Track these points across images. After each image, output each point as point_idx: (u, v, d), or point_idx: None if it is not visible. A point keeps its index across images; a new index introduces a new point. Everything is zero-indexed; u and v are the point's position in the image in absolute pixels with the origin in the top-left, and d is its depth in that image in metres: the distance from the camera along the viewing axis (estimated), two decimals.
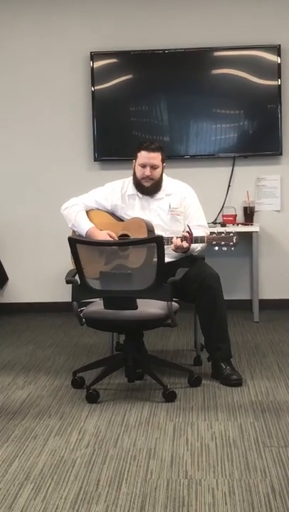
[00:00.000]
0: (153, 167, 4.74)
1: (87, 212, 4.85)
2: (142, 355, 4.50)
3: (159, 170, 4.78)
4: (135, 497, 3.06)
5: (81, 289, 4.30)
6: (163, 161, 4.80)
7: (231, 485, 3.14)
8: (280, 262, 6.68)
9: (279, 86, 6.48)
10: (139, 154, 4.77)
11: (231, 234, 4.56)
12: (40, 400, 4.34)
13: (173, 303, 4.27)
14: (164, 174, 4.85)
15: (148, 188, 4.79)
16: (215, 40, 6.51)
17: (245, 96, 6.52)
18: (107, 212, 4.88)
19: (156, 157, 4.74)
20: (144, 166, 4.74)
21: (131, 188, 4.86)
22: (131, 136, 6.60)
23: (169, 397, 4.24)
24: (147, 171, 4.74)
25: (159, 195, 4.83)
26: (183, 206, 4.83)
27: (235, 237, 4.55)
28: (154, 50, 6.54)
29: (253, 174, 6.62)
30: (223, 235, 4.57)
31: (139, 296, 4.20)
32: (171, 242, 4.57)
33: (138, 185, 4.81)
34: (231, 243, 4.55)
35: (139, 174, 4.78)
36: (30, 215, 6.77)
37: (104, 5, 6.59)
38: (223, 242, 4.56)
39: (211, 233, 4.68)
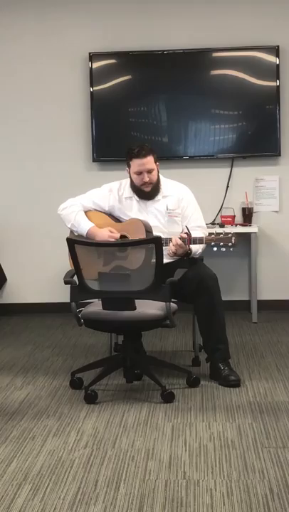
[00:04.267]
0: (149, 171, 4.71)
1: (85, 213, 4.84)
2: (140, 356, 4.50)
3: (155, 172, 4.74)
4: (133, 498, 3.06)
5: (79, 290, 4.30)
6: (156, 160, 4.76)
7: (229, 486, 3.15)
8: (279, 263, 6.68)
9: (277, 87, 6.48)
10: (131, 163, 4.72)
11: (230, 235, 4.55)
12: (39, 401, 4.34)
13: (171, 303, 4.27)
14: (160, 175, 4.84)
15: (149, 192, 4.77)
16: (213, 41, 6.51)
17: (243, 97, 6.52)
18: (104, 213, 4.87)
19: (149, 161, 4.69)
20: (140, 173, 4.71)
21: (128, 191, 4.84)
22: (130, 137, 6.60)
23: (168, 397, 4.24)
24: (145, 178, 4.70)
25: (156, 197, 4.82)
26: (180, 208, 4.81)
27: (233, 238, 4.54)
28: (153, 50, 6.54)
29: (251, 175, 6.62)
30: (221, 235, 4.57)
31: (138, 296, 4.20)
32: (170, 242, 4.56)
33: (138, 191, 4.78)
34: (230, 244, 4.55)
35: (137, 182, 4.74)
36: (29, 216, 6.77)
37: (103, 6, 6.59)
38: (221, 243, 4.56)
39: (210, 234, 4.66)
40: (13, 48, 6.70)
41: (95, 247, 4.40)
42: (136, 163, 4.70)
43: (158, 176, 4.80)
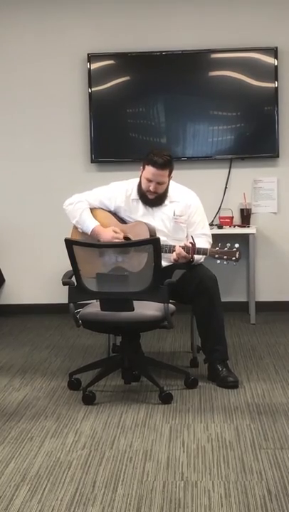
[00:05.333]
0: (159, 183, 4.66)
1: (90, 210, 4.82)
2: (138, 357, 4.50)
3: (165, 185, 4.69)
4: (131, 499, 3.06)
5: (78, 291, 4.30)
6: (171, 172, 4.69)
7: (227, 487, 3.14)
8: (277, 264, 6.69)
9: (276, 88, 6.48)
10: (147, 167, 4.64)
11: (234, 249, 4.54)
12: (37, 402, 4.34)
13: (170, 305, 4.26)
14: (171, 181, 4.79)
15: (151, 200, 4.74)
16: (212, 42, 6.51)
17: (242, 98, 6.52)
18: (110, 212, 4.86)
19: (163, 175, 4.63)
20: (150, 180, 4.66)
21: (136, 193, 4.80)
22: (128, 138, 6.61)
23: (166, 398, 4.24)
24: (152, 187, 4.65)
25: (162, 203, 4.79)
26: (187, 214, 4.78)
27: (238, 252, 4.53)
28: (152, 51, 6.55)
29: (249, 176, 6.62)
30: (226, 249, 4.55)
31: (136, 297, 4.20)
32: (174, 250, 4.55)
33: (142, 194, 4.75)
34: (234, 258, 4.54)
35: (144, 186, 4.70)
36: (28, 217, 6.77)
37: (102, 6, 6.59)
38: (225, 256, 4.55)
39: (214, 246, 4.64)
40: (12, 48, 6.70)
41: (93, 248, 4.39)
42: (150, 171, 4.63)
43: (167, 188, 4.74)
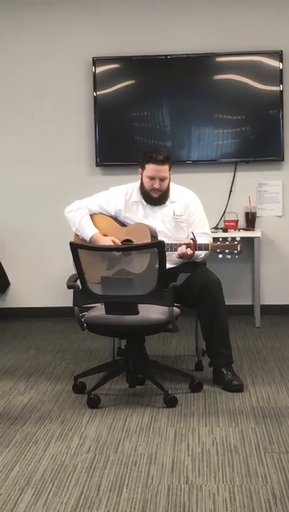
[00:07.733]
0: (162, 179, 4.70)
1: (90, 215, 4.84)
2: (143, 361, 4.49)
3: (167, 181, 4.74)
4: (136, 502, 3.06)
5: (82, 294, 4.30)
6: (170, 168, 4.75)
7: (232, 491, 3.14)
8: (282, 268, 6.68)
9: (281, 91, 6.48)
10: (147, 166, 4.69)
11: (236, 242, 4.54)
12: (42, 405, 4.34)
13: (174, 308, 4.27)
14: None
15: (157, 198, 4.77)
16: (217, 46, 6.52)
17: (247, 101, 6.53)
18: (110, 216, 4.87)
19: (164, 169, 4.69)
20: (152, 178, 4.69)
21: (136, 195, 4.83)
22: (133, 142, 6.61)
23: (170, 402, 4.24)
24: (156, 184, 4.69)
25: (166, 200, 4.81)
26: (187, 213, 4.81)
27: (239, 245, 4.54)
28: (156, 55, 6.55)
29: (254, 179, 6.62)
30: (227, 242, 4.56)
31: (141, 301, 4.20)
32: (175, 249, 4.56)
33: (146, 195, 4.77)
34: (235, 251, 4.54)
35: (147, 186, 4.73)
36: (32, 220, 6.78)
37: (107, 10, 6.60)
38: (227, 250, 4.55)
39: (215, 240, 4.66)
40: (17, 52, 6.71)
41: (98, 252, 4.40)
42: (151, 168, 4.68)
43: (169, 185, 4.78)
